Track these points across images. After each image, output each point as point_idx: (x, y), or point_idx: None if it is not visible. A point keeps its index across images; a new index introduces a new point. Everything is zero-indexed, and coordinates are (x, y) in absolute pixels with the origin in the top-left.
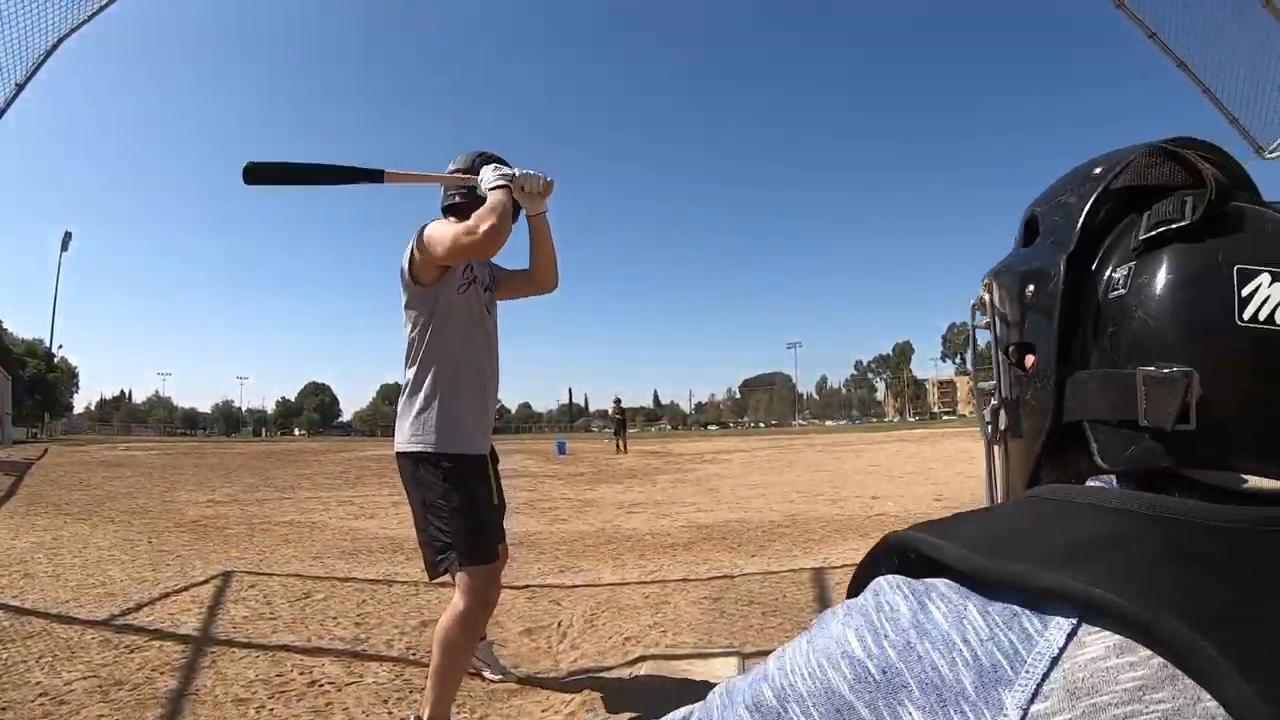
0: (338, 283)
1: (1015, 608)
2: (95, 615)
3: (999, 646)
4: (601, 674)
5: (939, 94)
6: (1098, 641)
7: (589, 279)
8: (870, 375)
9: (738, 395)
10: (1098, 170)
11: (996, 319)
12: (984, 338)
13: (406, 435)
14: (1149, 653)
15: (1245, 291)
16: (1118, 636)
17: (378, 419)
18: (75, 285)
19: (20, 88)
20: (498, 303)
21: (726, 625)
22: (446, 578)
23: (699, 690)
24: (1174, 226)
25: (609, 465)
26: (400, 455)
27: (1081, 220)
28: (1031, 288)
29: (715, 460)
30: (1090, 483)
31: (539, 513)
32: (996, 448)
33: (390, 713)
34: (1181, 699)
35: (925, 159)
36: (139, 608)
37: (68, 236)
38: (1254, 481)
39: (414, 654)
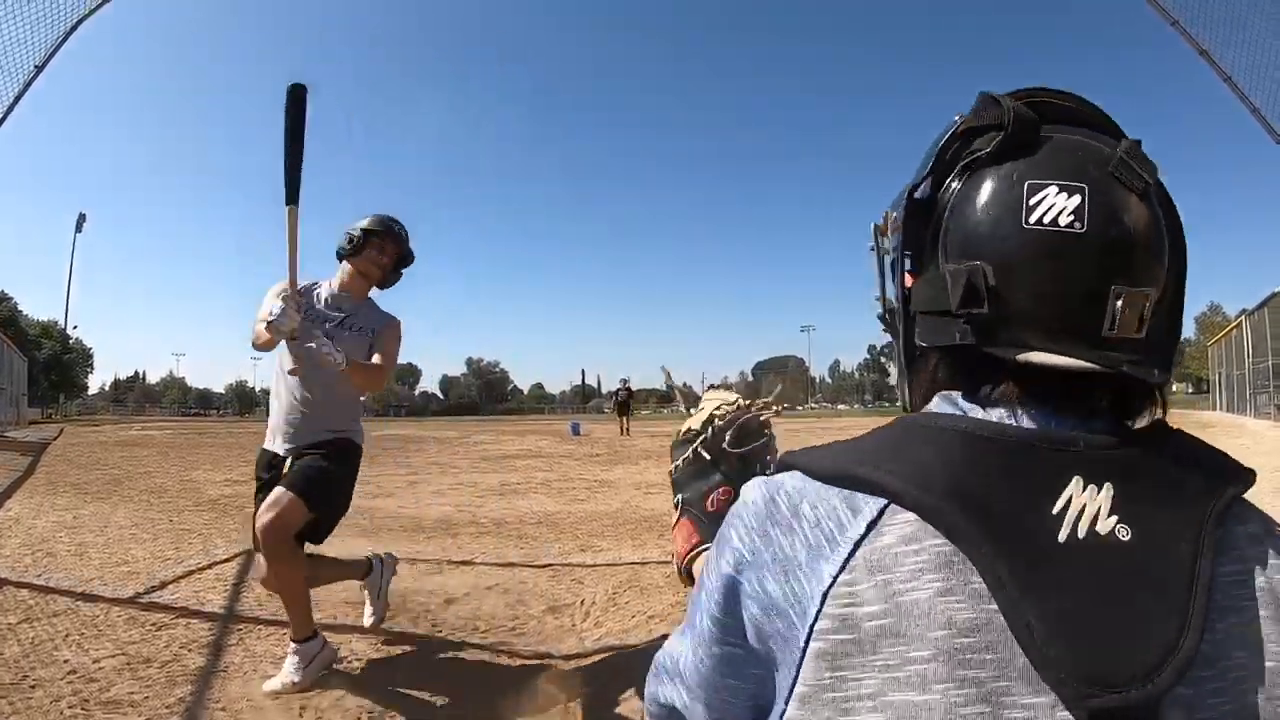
0: None
1: (836, 502)
2: (120, 593)
3: (823, 531)
4: (625, 651)
5: (948, 82)
6: (893, 531)
7: (602, 260)
8: (884, 360)
9: (750, 378)
10: (956, 117)
11: (877, 237)
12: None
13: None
14: (932, 542)
15: (1033, 201)
16: (910, 527)
17: (390, 399)
18: (90, 266)
19: (39, 69)
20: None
21: None
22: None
23: None
24: (980, 154)
25: (624, 446)
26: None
27: (934, 155)
28: (897, 213)
29: None
30: (940, 403)
31: (556, 493)
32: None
33: (419, 687)
34: (954, 579)
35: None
36: (163, 585)
37: (82, 218)
38: (1039, 358)
39: (439, 631)
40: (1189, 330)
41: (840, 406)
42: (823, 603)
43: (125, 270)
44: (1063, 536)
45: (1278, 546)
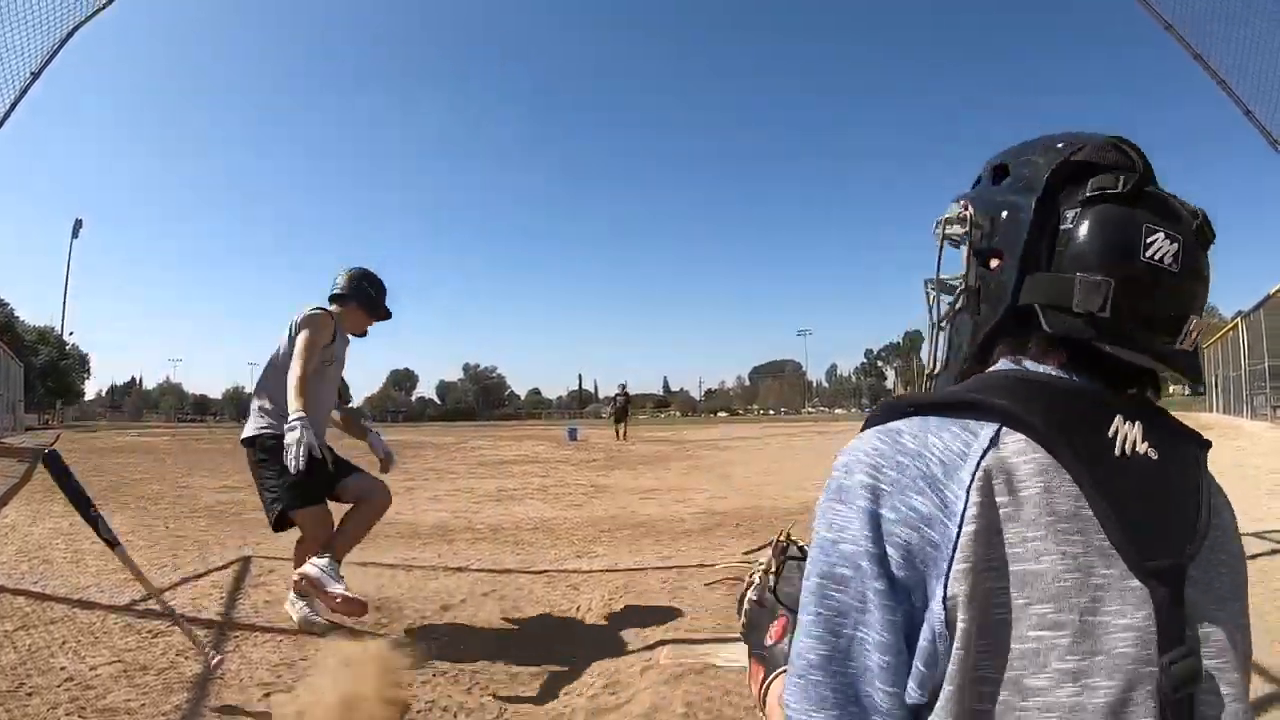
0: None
1: (956, 429)
2: (116, 600)
3: (954, 451)
4: (621, 658)
5: (946, 92)
6: (1008, 446)
7: (599, 264)
8: (880, 364)
9: (748, 382)
10: (1060, 145)
11: (973, 229)
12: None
13: None
14: (1035, 455)
15: (1147, 240)
16: (1021, 444)
17: (387, 404)
18: (87, 272)
19: (36, 75)
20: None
21: None
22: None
23: (719, 675)
24: (1109, 192)
25: (621, 452)
26: None
27: (1048, 175)
28: (1005, 213)
29: (726, 447)
30: (1007, 364)
31: (553, 498)
32: (941, 328)
33: (415, 696)
34: (1053, 481)
35: (936, 153)
36: (160, 592)
37: (78, 224)
38: (1138, 359)
39: (435, 636)
40: None
41: (838, 410)
42: (967, 499)
43: (122, 276)
44: (1117, 452)
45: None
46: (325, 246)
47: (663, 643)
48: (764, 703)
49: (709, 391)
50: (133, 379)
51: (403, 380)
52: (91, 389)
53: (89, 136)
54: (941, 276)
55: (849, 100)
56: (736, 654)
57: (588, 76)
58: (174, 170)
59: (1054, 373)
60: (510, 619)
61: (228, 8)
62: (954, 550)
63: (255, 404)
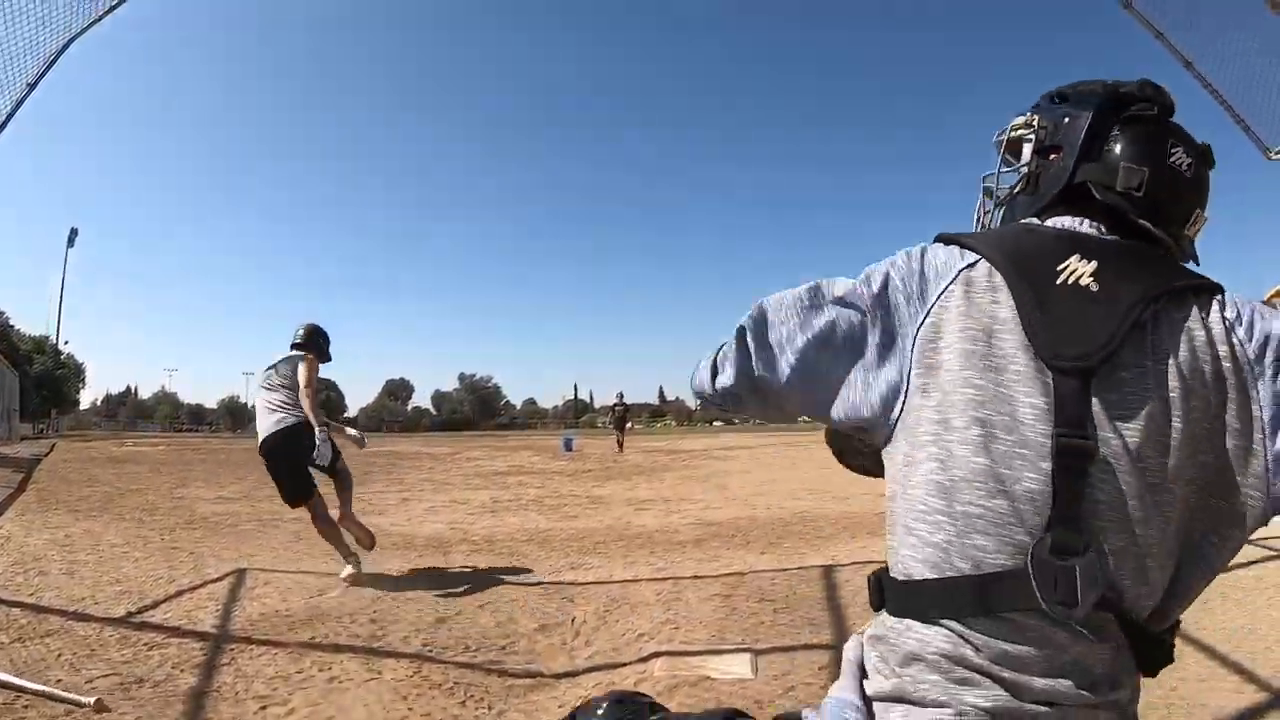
0: (342, 280)
1: (952, 255)
2: (112, 612)
3: (946, 266)
4: (616, 670)
5: (946, 88)
6: (977, 270)
7: (594, 275)
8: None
9: None
10: (1109, 82)
11: (1040, 129)
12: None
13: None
14: (993, 278)
15: (1170, 151)
16: (985, 268)
17: (383, 414)
18: (82, 282)
19: (32, 87)
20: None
21: (738, 622)
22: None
23: (713, 687)
24: (1146, 114)
25: (616, 462)
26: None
27: (1103, 98)
28: (1068, 119)
29: (722, 457)
30: (1063, 218)
31: (548, 509)
32: (1000, 209)
33: (410, 708)
34: (999, 295)
35: (936, 157)
36: (155, 605)
37: (74, 233)
38: (1157, 232)
39: (430, 650)
40: None
41: None
42: (939, 296)
43: (117, 285)
44: (1058, 281)
45: (1193, 331)
46: (322, 255)
47: (657, 654)
48: None
49: None
50: (128, 388)
51: (398, 390)
52: (86, 398)
53: (83, 147)
54: (989, 184)
55: (849, 98)
56: (731, 665)
57: (585, 83)
58: (169, 181)
59: (1062, 224)
60: (505, 630)
61: (221, 23)
62: (921, 323)
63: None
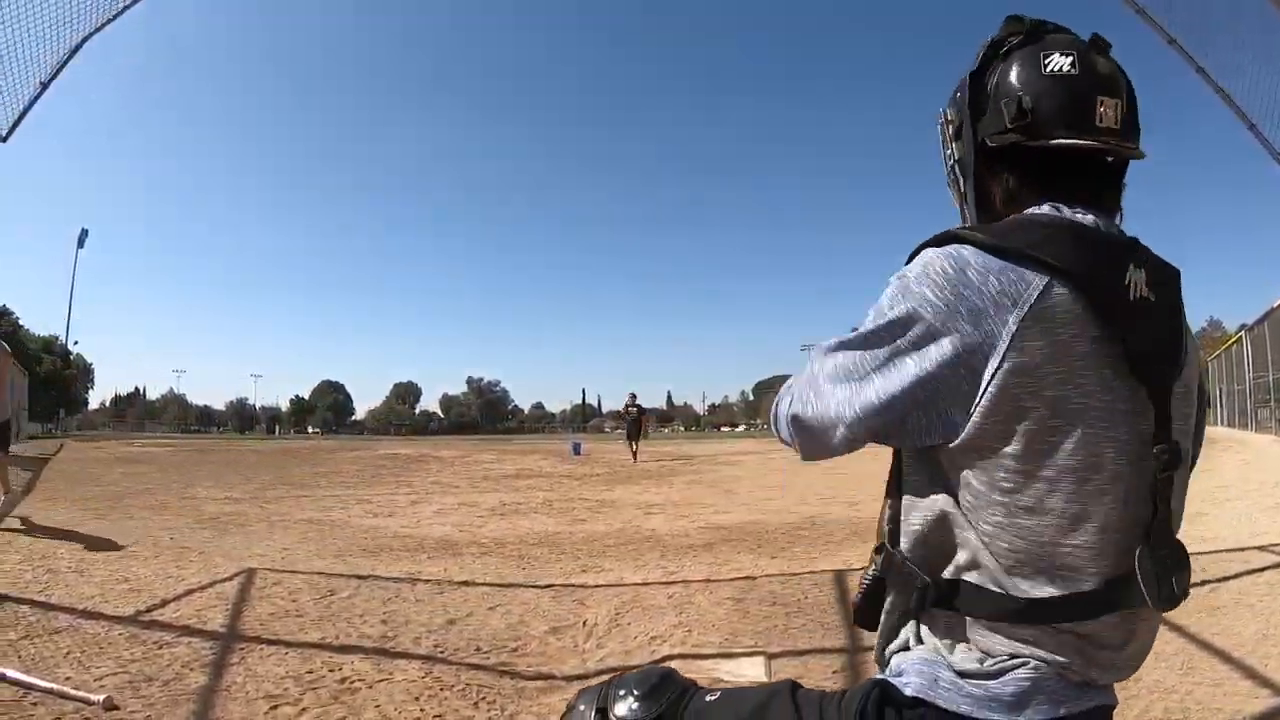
0: (352, 282)
1: (1014, 276)
2: (121, 611)
3: (1006, 292)
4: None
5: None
6: (1057, 294)
7: (602, 280)
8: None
9: (751, 397)
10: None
11: (947, 124)
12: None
13: None
14: (1074, 306)
15: (1046, 61)
16: (1063, 295)
17: (391, 417)
18: (92, 282)
19: (45, 86)
20: None
21: (750, 625)
22: None
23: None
24: (1010, 44)
25: (624, 467)
26: None
27: (978, 60)
28: (957, 94)
29: (731, 462)
30: (1047, 207)
31: (558, 513)
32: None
33: (422, 710)
34: (1085, 327)
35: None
36: (164, 604)
37: (84, 234)
38: (1062, 142)
39: (442, 652)
40: None
41: None
42: (1010, 341)
43: (127, 287)
44: (1131, 297)
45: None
46: (330, 258)
47: (669, 658)
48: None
49: (712, 406)
50: (136, 389)
51: (406, 394)
52: (95, 399)
53: (95, 148)
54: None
55: (850, 100)
56: (745, 668)
57: (598, 82)
58: (178, 182)
59: (1087, 219)
60: (516, 633)
61: (233, 23)
62: (992, 376)
63: None
